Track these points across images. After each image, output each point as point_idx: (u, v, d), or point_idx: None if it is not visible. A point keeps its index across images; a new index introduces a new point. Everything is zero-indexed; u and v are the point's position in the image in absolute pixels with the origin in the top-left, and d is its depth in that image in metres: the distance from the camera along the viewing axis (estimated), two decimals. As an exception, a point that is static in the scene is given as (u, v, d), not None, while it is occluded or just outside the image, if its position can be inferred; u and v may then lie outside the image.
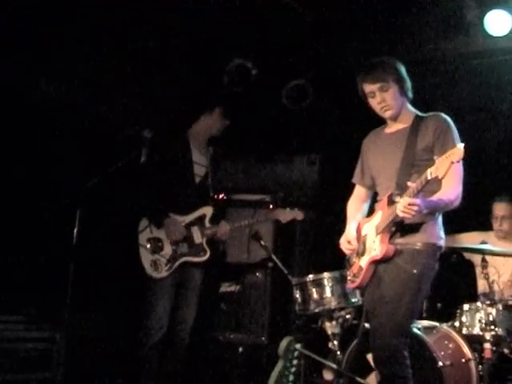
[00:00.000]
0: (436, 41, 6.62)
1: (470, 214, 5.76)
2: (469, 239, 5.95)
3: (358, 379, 5.21)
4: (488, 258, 5.40)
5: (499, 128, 6.76)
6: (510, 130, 6.79)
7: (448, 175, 3.76)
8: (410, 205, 3.90)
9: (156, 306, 5.44)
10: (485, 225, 6.14)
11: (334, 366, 5.34)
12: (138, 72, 6.45)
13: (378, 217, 4.29)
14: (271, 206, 5.89)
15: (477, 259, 5.58)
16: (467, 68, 6.79)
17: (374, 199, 4.59)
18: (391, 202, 4.16)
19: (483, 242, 5.50)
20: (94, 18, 5.85)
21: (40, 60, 5.89)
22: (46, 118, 6.06)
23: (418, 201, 3.92)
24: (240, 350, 6.37)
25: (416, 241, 4.17)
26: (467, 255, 5.97)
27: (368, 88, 4.35)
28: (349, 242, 4.41)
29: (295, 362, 4.84)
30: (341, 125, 6.77)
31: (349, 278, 4.48)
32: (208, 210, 5.66)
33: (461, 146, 3.67)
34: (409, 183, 3.97)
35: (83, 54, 6.04)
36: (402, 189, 4.09)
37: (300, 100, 7.02)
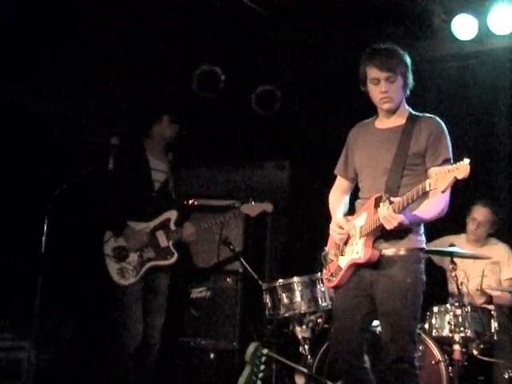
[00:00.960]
0: (404, 44, 6.63)
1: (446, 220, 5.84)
2: (442, 243, 5.98)
3: (329, 383, 5.23)
4: (458, 261, 5.43)
5: (466, 132, 6.80)
6: (477, 134, 6.83)
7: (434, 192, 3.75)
8: (392, 217, 3.85)
9: (130, 313, 5.42)
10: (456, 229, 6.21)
11: (305, 370, 5.35)
12: (104, 79, 6.43)
13: (363, 218, 4.14)
14: (240, 205, 5.86)
15: (446, 262, 5.60)
16: (435, 71, 6.84)
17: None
18: (379, 205, 4.00)
19: (451, 245, 5.53)
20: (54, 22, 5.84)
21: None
22: (10, 125, 6.02)
23: (401, 218, 3.87)
24: (211, 355, 6.35)
25: (401, 246, 4.07)
26: (438, 258, 6.01)
27: (374, 73, 4.12)
28: (340, 227, 4.21)
29: (263, 367, 4.82)
30: (310, 129, 6.78)
31: (325, 276, 4.35)
32: (172, 214, 5.65)
33: (467, 162, 3.55)
34: (397, 198, 3.90)
35: (44, 61, 6.02)
36: (391, 191, 4.02)
37: (269, 105, 7.04)
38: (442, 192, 3.66)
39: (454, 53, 6.67)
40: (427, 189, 3.73)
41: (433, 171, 3.98)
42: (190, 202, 6.32)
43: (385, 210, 3.88)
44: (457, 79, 6.78)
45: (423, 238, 4.18)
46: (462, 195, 6.20)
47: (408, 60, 4.22)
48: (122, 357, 5.41)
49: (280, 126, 7.05)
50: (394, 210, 3.88)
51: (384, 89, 4.11)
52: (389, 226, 3.90)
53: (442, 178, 3.61)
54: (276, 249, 7.13)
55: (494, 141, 6.89)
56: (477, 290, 5.74)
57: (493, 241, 6.04)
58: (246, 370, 4.87)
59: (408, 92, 4.25)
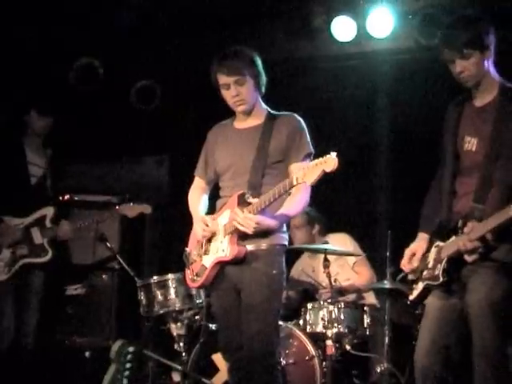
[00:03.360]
0: (284, 44, 6.73)
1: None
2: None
3: (204, 380, 5.23)
4: (330, 257, 5.53)
5: (344, 132, 6.93)
6: (355, 134, 6.98)
7: (297, 187, 3.81)
8: (249, 219, 3.88)
9: (1, 310, 5.31)
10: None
11: (179, 367, 5.33)
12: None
13: (226, 216, 4.14)
14: (117, 207, 5.80)
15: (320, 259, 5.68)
16: (314, 71, 6.94)
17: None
18: (242, 202, 4.03)
19: (325, 242, 5.62)
20: None
21: None
22: None
23: (259, 218, 3.92)
24: (86, 353, 6.25)
25: (265, 243, 4.09)
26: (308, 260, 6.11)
27: (223, 79, 4.15)
28: (206, 224, 4.18)
29: (128, 365, 4.78)
30: (190, 125, 6.77)
31: (190, 277, 4.33)
32: (49, 211, 5.53)
33: (334, 155, 3.59)
34: (255, 199, 3.93)
35: None
36: (254, 189, 4.05)
37: (149, 100, 6.97)
38: (311, 185, 3.73)
39: (333, 53, 6.78)
40: (294, 183, 3.76)
41: (296, 166, 4.02)
42: (67, 197, 6.21)
43: (240, 214, 3.92)
44: (336, 80, 6.90)
45: (286, 235, 4.24)
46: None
47: (258, 59, 4.24)
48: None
49: (159, 122, 7.00)
50: (252, 212, 3.92)
51: (235, 92, 4.16)
52: (249, 230, 3.93)
53: (310, 172, 3.66)
54: (154, 245, 7.09)
55: (372, 141, 7.07)
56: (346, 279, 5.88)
57: (330, 236, 6.07)
58: (112, 369, 4.82)
59: (263, 90, 4.29)
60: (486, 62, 3.62)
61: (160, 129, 7.00)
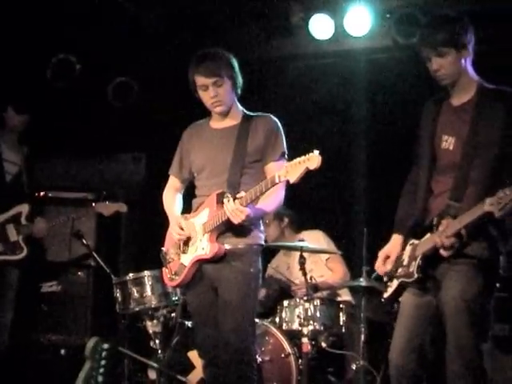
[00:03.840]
0: (262, 42, 6.73)
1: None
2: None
3: (180, 377, 5.23)
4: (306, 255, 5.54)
5: (321, 130, 6.95)
6: (332, 132, 6.99)
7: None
8: (240, 211, 3.91)
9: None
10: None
11: (155, 364, 5.32)
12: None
13: (205, 215, 4.19)
14: (94, 204, 5.79)
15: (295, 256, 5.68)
16: (292, 69, 6.95)
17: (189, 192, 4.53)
18: (221, 200, 4.07)
19: (301, 240, 5.63)
20: None
21: None
22: None
23: (248, 210, 3.95)
24: (62, 351, 6.22)
25: (242, 241, 4.15)
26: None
27: (201, 81, 4.19)
28: (181, 228, 4.24)
29: (103, 362, 4.77)
30: (167, 122, 6.74)
31: (168, 276, 4.35)
32: (24, 208, 5.53)
33: (317, 152, 3.65)
34: (242, 193, 3.96)
35: None
36: (233, 188, 4.09)
37: (125, 97, 6.94)
38: (293, 182, 3.75)
39: (311, 51, 6.79)
40: (276, 181, 3.81)
41: (272, 165, 4.13)
42: (43, 194, 6.18)
43: (232, 204, 3.94)
44: (314, 78, 6.91)
45: (263, 235, 4.30)
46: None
47: (234, 61, 4.30)
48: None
49: (136, 118, 6.97)
50: (242, 204, 3.94)
51: (213, 94, 4.20)
52: (236, 220, 3.96)
53: (293, 169, 3.71)
54: (131, 243, 7.06)
55: (349, 139, 7.09)
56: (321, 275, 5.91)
57: (305, 232, 6.10)
58: (86, 366, 4.81)
59: (239, 91, 4.33)
60: (463, 61, 3.64)
61: (137, 126, 6.97)
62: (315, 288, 5.70)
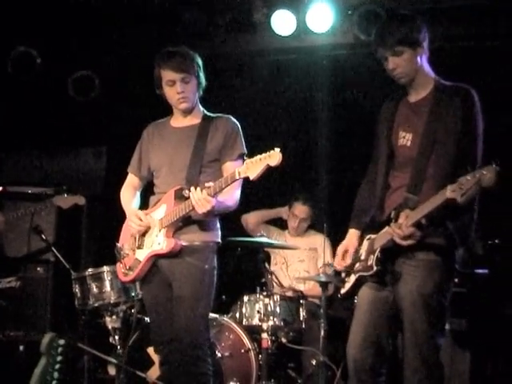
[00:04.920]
0: (225, 38, 6.72)
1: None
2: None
3: (139, 373, 5.21)
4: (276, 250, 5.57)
5: (283, 125, 6.96)
6: (295, 128, 7.01)
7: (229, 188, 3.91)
8: (207, 201, 3.91)
9: None
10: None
11: (114, 360, 5.29)
12: None
13: (162, 210, 4.20)
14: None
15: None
16: (254, 65, 6.96)
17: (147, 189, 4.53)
18: (179, 196, 4.10)
19: (262, 235, 5.65)
20: None
21: None
22: None
23: (214, 201, 3.96)
24: (20, 347, 6.15)
25: (200, 238, 4.18)
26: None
27: (169, 76, 4.19)
28: (140, 219, 4.22)
29: (59, 358, 4.73)
30: (128, 116, 6.71)
31: (122, 271, 4.35)
32: (-19, 202, 5.45)
33: (278, 150, 3.68)
34: (210, 183, 3.95)
35: None
36: (191, 185, 4.07)
37: (87, 91, 6.89)
38: (253, 179, 3.77)
39: (273, 47, 6.80)
40: (236, 177, 3.84)
41: (230, 165, 4.19)
42: (1, 189, 6.10)
43: (199, 193, 3.93)
44: (276, 74, 6.93)
45: (219, 232, 4.33)
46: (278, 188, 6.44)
47: (200, 61, 4.33)
48: None
49: (98, 112, 6.93)
50: (210, 194, 3.95)
51: (180, 89, 4.22)
52: (201, 210, 3.95)
53: (253, 166, 3.74)
54: (91, 238, 7.00)
55: (311, 135, 7.11)
56: (296, 277, 5.96)
57: (311, 232, 6.27)
58: (42, 362, 4.77)
59: (201, 92, 4.37)
60: (418, 59, 3.67)
61: (98, 120, 6.94)
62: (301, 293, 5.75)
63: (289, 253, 6.10)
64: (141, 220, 4.23)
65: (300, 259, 6.11)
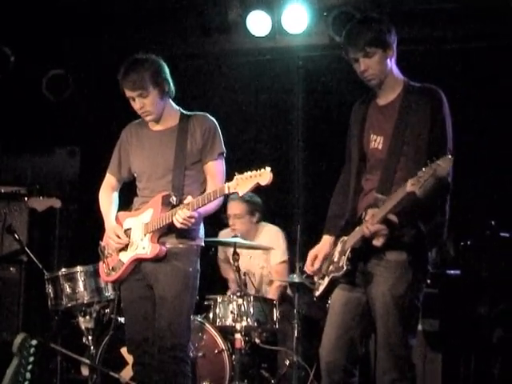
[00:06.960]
0: (200, 38, 6.72)
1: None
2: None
3: (112, 373, 5.19)
4: (240, 253, 5.55)
5: (257, 125, 6.97)
6: (269, 128, 7.02)
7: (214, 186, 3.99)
8: (189, 217, 3.96)
9: None
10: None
11: (87, 361, 5.28)
12: None
13: (149, 215, 4.21)
14: (26, 198, 5.71)
15: (230, 253, 5.67)
16: (229, 65, 6.96)
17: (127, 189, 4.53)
18: (167, 203, 4.13)
19: (235, 236, 5.64)
20: None
21: None
22: None
23: (196, 214, 4.00)
24: (-8, 348, 6.11)
25: (184, 242, 4.21)
26: (224, 251, 6.11)
27: (127, 93, 4.21)
28: (117, 236, 4.25)
29: (32, 358, 4.70)
30: (102, 116, 6.69)
31: (105, 270, 4.36)
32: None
33: (269, 169, 3.73)
34: (189, 198, 4.01)
35: None
36: (177, 190, 4.13)
37: (60, 90, 6.86)
38: (240, 196, 3.89)
39: (248, 48, 6.82)
40: (225, 192, 3.89)
41: (212, 164, 4.23)
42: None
43: (183, 214, 3.98)
44: (251, 74, 6.94)
45: (203, 236, 4.36)
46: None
47: (158, 67, 4.27)
48: None
49: (71, 112, 6.90)
50: (189, 210, 3.99)
51: (138, 106, 4.23)
52: (185, 227, 4.03)
53: (243, 183, 3.79)
54: (65, 238, 6.97)
55: (286, 136, 7.11)
56: (270, 281, 5.97)
57: (264, 226, 6.11)
58: (14, 362, 4.74)
59: (172, 93, 4.34)
60: (388, 61, 3.69)
61: (72, 119, 6.91)
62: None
63: (246, 257, 5.95)
64: (119, 237, 4.25)
65: (258, 264, 6.04)
